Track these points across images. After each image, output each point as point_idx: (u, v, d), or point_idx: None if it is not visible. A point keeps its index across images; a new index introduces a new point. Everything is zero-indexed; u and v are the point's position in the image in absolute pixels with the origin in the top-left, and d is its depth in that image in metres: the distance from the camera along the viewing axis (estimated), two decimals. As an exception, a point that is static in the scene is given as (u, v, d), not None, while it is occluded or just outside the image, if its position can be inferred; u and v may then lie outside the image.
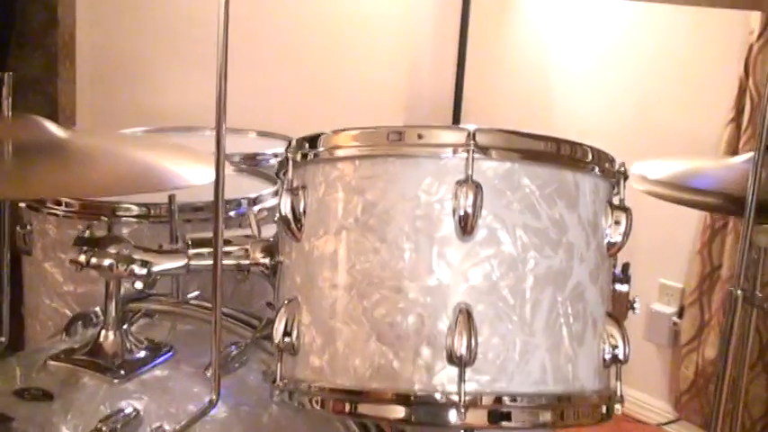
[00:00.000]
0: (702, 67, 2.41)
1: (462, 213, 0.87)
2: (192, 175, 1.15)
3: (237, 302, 1.38)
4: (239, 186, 1.70)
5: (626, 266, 1.06)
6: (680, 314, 2.54)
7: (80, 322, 1.25)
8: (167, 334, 1.22)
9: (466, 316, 0.87)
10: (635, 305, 1.08)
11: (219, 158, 0.99)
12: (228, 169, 1.85)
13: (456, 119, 2.98)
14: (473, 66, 3.00)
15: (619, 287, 1.04)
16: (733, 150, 2.29)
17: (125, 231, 1.48)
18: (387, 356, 0.89)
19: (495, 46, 2.96)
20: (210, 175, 1.15)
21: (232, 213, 1.55)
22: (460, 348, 0.86)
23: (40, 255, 1.56)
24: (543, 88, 2.82)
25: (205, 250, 1.14)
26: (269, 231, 1.13)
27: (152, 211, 1.48)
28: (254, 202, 1.61)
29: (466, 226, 0.87)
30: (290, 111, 2.64)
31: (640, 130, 2.55)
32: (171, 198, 1.20)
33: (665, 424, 2.57)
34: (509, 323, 0.89)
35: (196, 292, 1.30)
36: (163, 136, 2.05)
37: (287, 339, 0.95)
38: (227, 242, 1.20)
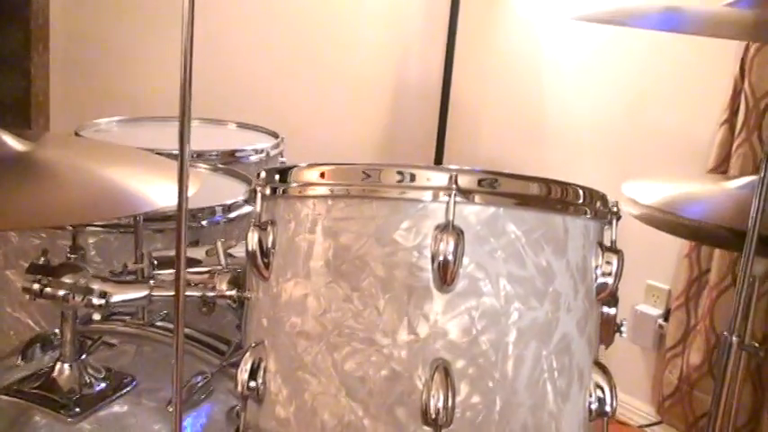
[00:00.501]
0: (697, 65, 2.34)
1: (442, 261, 0.81)
2: (160, 195, 1.08)
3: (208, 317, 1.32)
4: (214, 191, 1.62)
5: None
6: (666, 317, 2.49)
7: (38, 345, 1.18)
8: (130, 360, 1.15)
9: (443, 373, 0.81)
10: (622, 328, 1.03)
11: (183, 179, 0.91)
12: (203, 169, 1.77)
13: (443, 112, 2.90)
14: (462, 58, 2.92)
15: (606, 310, 0.98)
16: (726, 153, 2.23)
17: (91, 241, 1.40)
18: (357, 413, 0.83)
19: (485, 38, 2.88)
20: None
21: (205, 222, 1.48)
22: (437, 408, 0.80)
23: (2, 261, 1.48)
24: (533, 82, 2.74)
25: (168, 272, 1.08)
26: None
27: (120, 220, 1.41)
28: (229, 209, 1.54)
29: (445, 275, 0.81)
30: (274, 102, 2.56)
31: (632, 128, 2.49)
32: (136, 219, 1.12)
33: (647, 426, 2.54)
34: (490, 381, 0.83)
35: (164, 312, 1.24)
36: (133, 131, 1.97)
37: (252, 385, 0.88)
38: (196, 262, 1.14)
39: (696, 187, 1.30)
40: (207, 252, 1.05)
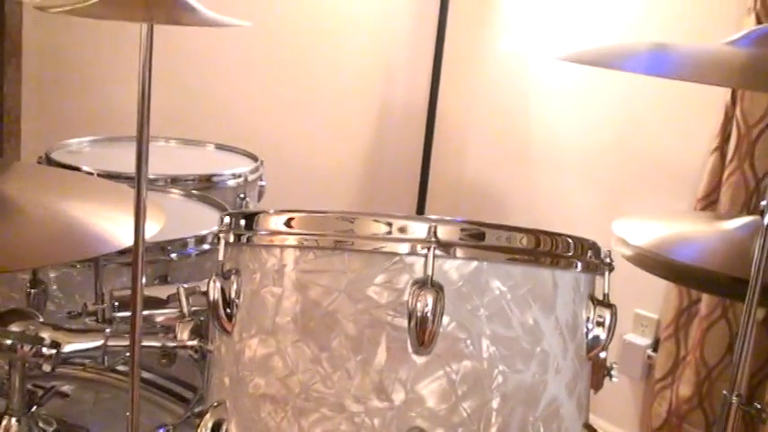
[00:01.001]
0: (687, 90, 2.28)
1: (419, 320, 0.73)
2: (123, 232, 1.00)
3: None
4: (187, 220, 1.54)
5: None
6: (655, 347, 2.43)
7: (-10, 390, 1.10)
8: (86, 410, 1.08)
9: (420, 444, 0.73)
10: (612, 372, 0.96)
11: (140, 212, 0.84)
12: (176, 195, 1.70)
13: (429, 134, 2.84)
14: (448, 79, 2.86)
15: (596, 353, 0.91)
16: (716, 182, 2.17)
17: (53, 275, 1.32)
18: (325, 486, 0.75)
19: (472, 60, 2.83)
20: (151, 230, 1.01)
21: (174, 256, 1.40)
22: (412, 483, 0.72)
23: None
24: (520, 104, 2.69)
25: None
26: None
27: (83, 254, 1.32)
28: (201, 241, 1.46)
29: (423, 336, 0.74)
30: (253, 122, 2.49)
31: (620, 153, 2.43)
32: (96, 261, 1.05)
33: (635, 458, 2.48)
34: (471, 452, 0.76)
35: (126, 355, 1.16)
36: (106, 152, 1.90)
37: (212, 449, 0.81)
38: (161, 303, 1.07)
39: (690, 227, 1.23)
40: (168, 297, 0.97)
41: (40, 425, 0.98)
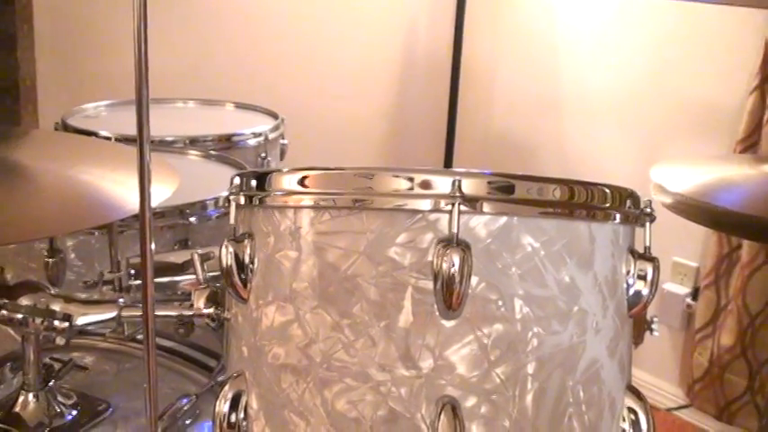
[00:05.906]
0: (724, 28, 2.19)
1: (445, 282, 0.68)
2: (136, 198, 0.96)
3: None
4: (206, 182, 1.50)
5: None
6: (694, 296, 2.36)
7: (9, 365, 1.07)
8: (106, 382, 1.04)
9: (451, 413, 0.68)
10: (653, 326, 0.90)
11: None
12: (195, 157, 1.65)
13: (454, 84, 2.76)
14: (473, 26, 2.77)
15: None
16: (757, 122, 2.09)
17: (70, 244, 1.29)
18: (351, 460, 0.71)
19: (496, 4, 2.73)
20: (163, 194, 0.97)
21: (193, 219, 1.36)
22: (443, 454, 0.68)
23: (-23, 266, 1.37)
24: (549, 51, 2.59)
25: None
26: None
27: (99, 221, 1.28)
28: (220, 203, 1.41)
29: (450, 298, 0.68)
30: (275, 77, 2.42)
31: (654, 95, 2.34)
32: (110, 228, 1.01)
33: (675, 409, 2.42)
34: (506, 420, 0.71)
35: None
36: (122, 115, 1.85)
37: (232, 419, 0.77)
38: (180, 268, 1.03)
39: (730, 171, 1.16)
40: (183, 265, 0.93)
41: (59, 399, 0.95)
